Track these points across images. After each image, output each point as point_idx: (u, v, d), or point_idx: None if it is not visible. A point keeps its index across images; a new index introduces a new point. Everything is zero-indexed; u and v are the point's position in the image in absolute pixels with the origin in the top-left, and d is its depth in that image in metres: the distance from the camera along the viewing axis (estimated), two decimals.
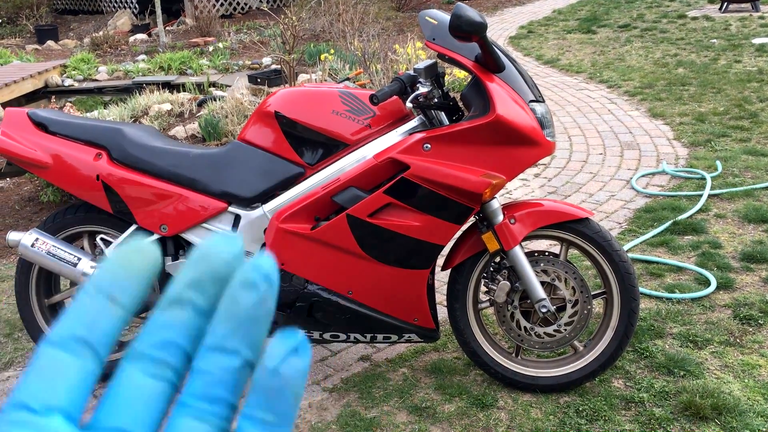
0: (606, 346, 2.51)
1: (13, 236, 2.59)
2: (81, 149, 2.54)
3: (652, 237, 3.75)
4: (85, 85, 8.89)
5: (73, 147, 2.55)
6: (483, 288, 2.59)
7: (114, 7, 14.20)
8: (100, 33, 11.85)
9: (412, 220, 2.32)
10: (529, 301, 2.47)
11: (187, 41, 10.99)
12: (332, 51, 8.53)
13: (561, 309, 2.49)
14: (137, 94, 6.45)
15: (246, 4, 13.56)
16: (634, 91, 6.88)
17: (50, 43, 12.08)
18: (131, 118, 5.63)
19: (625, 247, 3.63)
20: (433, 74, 2.35)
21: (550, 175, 4.87)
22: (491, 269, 2.53)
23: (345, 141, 2.38)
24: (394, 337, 2.54)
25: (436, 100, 2.36)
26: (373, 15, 12.23)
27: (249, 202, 2.46)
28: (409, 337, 2.54)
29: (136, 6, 13.76)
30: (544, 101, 2.44)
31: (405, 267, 2.39)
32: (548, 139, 2.38)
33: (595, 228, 2.47)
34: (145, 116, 5.67)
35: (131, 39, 11.80)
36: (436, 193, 2.29)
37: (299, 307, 2.46)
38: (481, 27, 2.14)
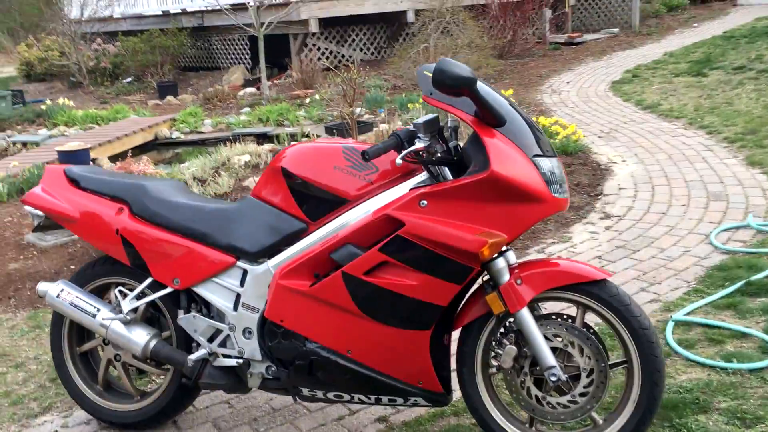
0: (626, 421, 2.29)
1: (42, 287, 2.72)
2: (106, 204, 2.65)
3: (720, 298, 3.44)
4: (190, 137, 9.38)
5: (99, 202, 2.66)
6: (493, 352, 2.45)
7: (230, 62, 15.00)
8: (211, 88, 12.51)
9: (409, 279, 2.24)
10: (539, 368, 2.31)
11: (289, 94, 11.41)
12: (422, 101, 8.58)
13: (576, 378, 2.31)
14: (235, 144, 6.73)
15: (350, 57, 13.94)
16: (734, 137, 6.45)
17: (170, 98, 12.89)
18: (212, 169, 5.86)
19: (687, 309, 3.35)
20: (434, 129, 2.28)
21: (622, 227, 4.61)
22: (500, 333, 2.39)
23: (345, 197, 2.34)
24: (400, 400, 2.44)
25: (439, 154, 2.29)
26: (473, 63, 12.25)
27: (255, 257, 2.47)
28: (416, 401, 2.43)
29: (249, 61, 14.46)
30: (554, 156, 2.31)
31: (404, 327, 2.30)
32: (556, 195, 2.24)
33: (612, 291, 2.28)
34: (223, 167, 5.89)
35: (241, 93, 12.38)
36: (433, 252, 2.20)
37: (299, 365, 2.42)
38: (467, 82, 2.06)
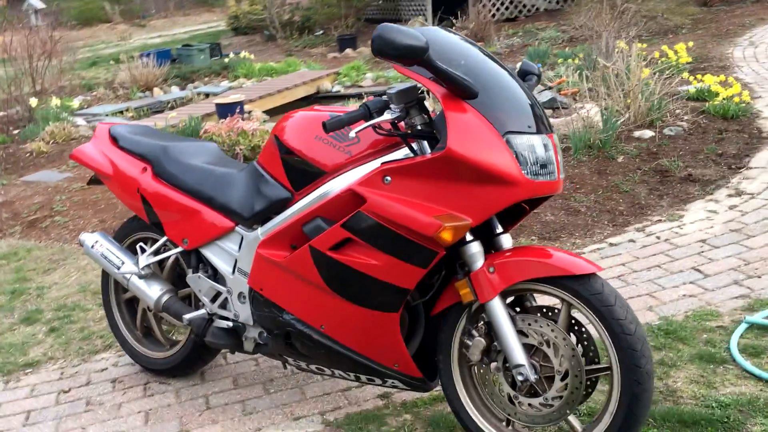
0: None
1: (81, 236, 2.95)
2: (133, 163, 2.79)
3: None
4: (350, 91, 9.57)
5: (128, 161, 2.80)
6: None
7: (411, 14, 14.99)
8: None
9: (372, 259, 2.13)
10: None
11: None
12: (581, 55, 8.02)
13: (551, 379, 2.09)
14: None
15: (533, 6, 13.33)
16: None
17: (348, 51, 13.21)
18: None
19: None
20: (410, 99, 2.11)
21: (748, 208, 4.02)
22: (473, 323, 2.20)
23: (323, 168, 2.26)
24: (378, 381, 2.36)
25: (419, 127, 2.12)
26: (660, 11, 11.20)
27: (249, 223, 2.48)
28: (393, 383, 2.33)
29: (428, 13, 14.34)
30: (541, 132, 2.05)
31: (370, 308, 2.19)
32: (531, 177, 2.00)
33: (595, 288, 2.00)
34: None
35: None
36: (395, 232, 2.07)
37: (276, 334, 2.41)
38: (412, 51, 1.87)
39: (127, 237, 2.97)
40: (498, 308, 2.08)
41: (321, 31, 15.54)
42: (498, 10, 12.86)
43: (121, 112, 9.27)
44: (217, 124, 5.63)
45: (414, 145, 2.11)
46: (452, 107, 2.00)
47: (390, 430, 2.46)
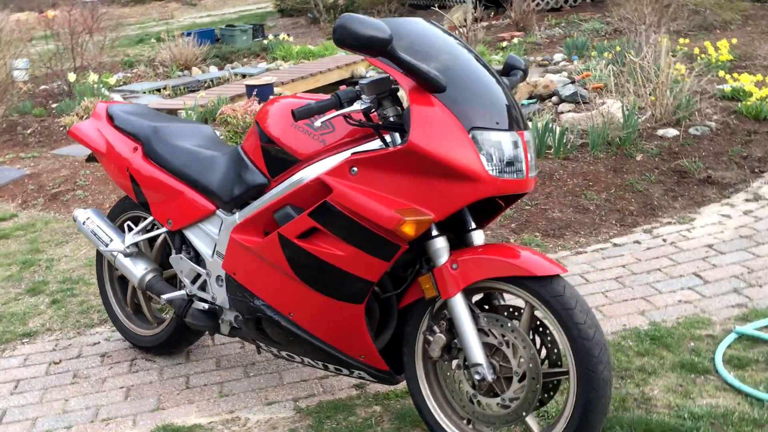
0: None
1: (75, 212, 3.01)
2: (126, 143, 2.82)
3: None
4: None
5: (121, 140, 2.84)
6: None
7: (456, 1, 14.84)
8: None
9: (337, 249, 2.12)
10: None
11: (495, 36, 11.04)
12: (618, 48, 7.83)
13: (510, 380, 2.06)
14: None
15: None
16: None
17: None
18: None
19: (761, 323, 2.77)
20: (382, 90, 2.08)
21: (763, 214, 3.89)
22: (435, 319, 2.18)
23: (297, 156, 2.26)
24: (345, 371, 2.36)
25: (392, 119, 2.10)
26: (709, 7, 10.87)
27: (228, 207, 2.49)
28: (360, 374, 2.33)
29: (473, 1, 14.17)
30: (511, 129, 2.01)
31: (336, 298, 2.19)
32: (496, 175, 1.96)
33: (557, 290, 1.96)
34: None
35: (454, 33, 12.23)
36: (358, 224, 2.06)
37: (248, 319, 2.43)
38: (374, 43, 1.85)
39: (120, 215, 3.02)
40: (459, 305, 2.06)
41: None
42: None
43: (159, 90, 9.40)
44: (233, 105, 5.65)
45: (387, 137, 2.09)
46: (418, 100, 1.98)
47: (357, 420, 2.46)
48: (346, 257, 2.11)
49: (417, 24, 2.21)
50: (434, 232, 2.09)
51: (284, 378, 2.79)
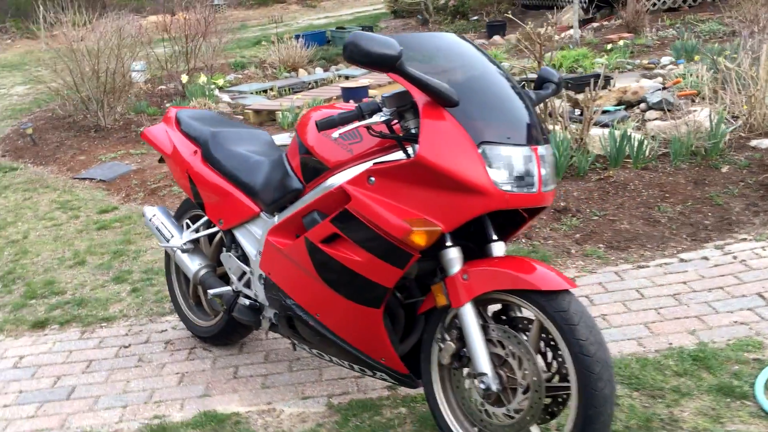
0: None
1: (144, 209, 3.25)
2: (187, 146, 3.04)
3: None
4: None
5: (184, 144, 3.06)
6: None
7: (569, 1, 14.51)
8: (540, 28, 12.30)
9: (355, 255, 2.21)
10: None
11: (603, 38, 10.74)
12: (727, 52, 7.45)
13: (516, 391, 2.07)
14: None
15: None
16: None
17: (496, 38, 13.04)
18: None
19: None
20: (403, 103, 2.16)
21: None
22: (450, 326, 2.22)
23: (326, 164, 2.37)
24: (369, 372, 2.45)
25: (412, 131, 2.17)
26: None
27: (271, 210, 2.64)
28: (382, 376, 2.42)
29: (586, 1, 13.83)
30: (526, 144, 2.03)
31: (356, 302, 2.29)
32: (504, 189, 1.99)
33: (562, 306, 1.97)
34: None
35: (563, 34, 11.99)
36: (374, 231, 2.14)
37: (280, 317, 2.56)
38: (382, 60, 1.93)
39: (185, 213, 3.24)
40: (468, 315, 2.10)
41: (476, 17, 15.45)
42: None
43: (265, 91, 9.80)
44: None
45: (409, 149, 2.16)
46: (429, 114, 2.04)
47: (381, 420, 2.54)
48: (364, 263, 2.20)
49: (442, 39, 2.27)
50: (448, 243, 2.14)
51: (323, 375, 2.91)
